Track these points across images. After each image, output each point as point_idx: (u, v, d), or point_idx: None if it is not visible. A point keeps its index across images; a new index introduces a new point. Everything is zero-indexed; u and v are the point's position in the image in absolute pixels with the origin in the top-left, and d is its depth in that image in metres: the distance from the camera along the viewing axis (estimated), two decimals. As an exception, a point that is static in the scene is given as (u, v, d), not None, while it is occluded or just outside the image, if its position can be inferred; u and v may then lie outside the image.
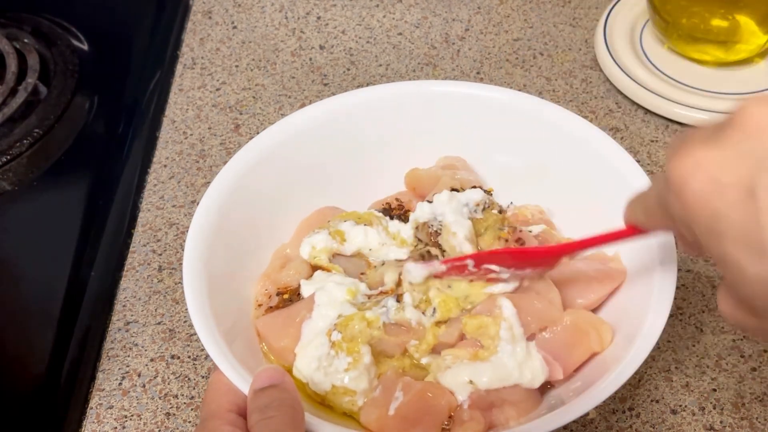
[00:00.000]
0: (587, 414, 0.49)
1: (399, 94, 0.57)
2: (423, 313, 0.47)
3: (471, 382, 0.45)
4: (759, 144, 0.29)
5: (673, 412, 0.50)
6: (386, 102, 0.56)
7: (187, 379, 0.54)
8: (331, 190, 0.56)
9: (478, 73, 0.71)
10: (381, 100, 0.56)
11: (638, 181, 0.50)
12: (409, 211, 0.54)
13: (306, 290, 0.50)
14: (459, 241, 0.50)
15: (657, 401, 0.51)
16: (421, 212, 0.52)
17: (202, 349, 0.54)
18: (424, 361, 0.47)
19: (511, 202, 0.55)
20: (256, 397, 0.41)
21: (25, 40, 0.76)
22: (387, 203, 0.55)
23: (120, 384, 0.54)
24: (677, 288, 0.46)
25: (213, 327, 0.45)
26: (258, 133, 0.67)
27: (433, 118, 0.56)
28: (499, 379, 0.45)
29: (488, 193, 0.54)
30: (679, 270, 0.56)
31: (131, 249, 0.61)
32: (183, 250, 0.48)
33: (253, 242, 0.53)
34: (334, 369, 0.46)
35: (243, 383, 0.42)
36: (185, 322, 0.56)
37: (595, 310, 0.50)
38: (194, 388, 0.53)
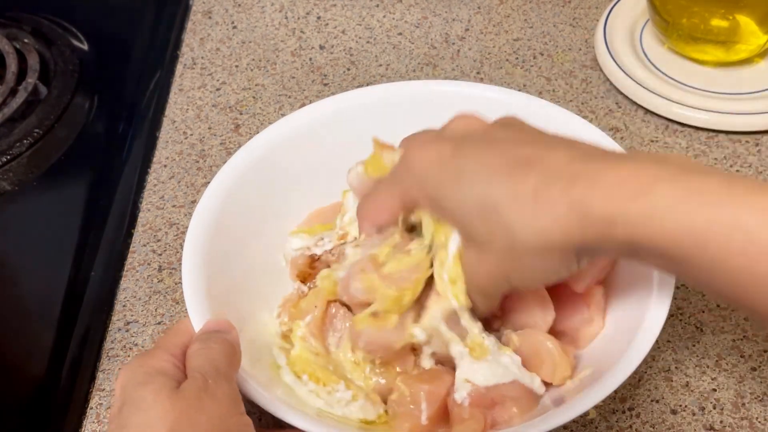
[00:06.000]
0: (587, 414, 0.49)
1: (401, 93, 0.56)
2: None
3: (468, 380, 0.45)
4: (451, 136, 0.43)
5: (673, 412, 0.50)
6: (386, 102, 0.56)
7: (187, 379, 0.54)
8: (334, 189, 0.56)
9: (478, 73, 0.71)
10: (381, 100, 0.56)
11: None
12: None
13: None
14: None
15: (657, 401, 0.51)
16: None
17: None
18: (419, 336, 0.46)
19: None
20: (200, 333, 0.44)
21: (25, 40, 0.76)
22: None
23: (120, 384, 0.54)
24: (677, 288, 0.46)
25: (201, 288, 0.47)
26: (258, 133, 0.68)
27: (437, 117, 0.56)
28: (496, 376, 0.45)
29: None
30: (679, 270, 0.56)
31: (131, 249, 0.61)
32: (183, 250, 0.48)
33: (253, 240, 0.53)
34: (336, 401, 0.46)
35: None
36: (185, 322, 0.56)
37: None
38: (194, 388, 0.53)
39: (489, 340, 0.45)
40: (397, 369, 0.47)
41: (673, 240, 0.36)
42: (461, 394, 0.45)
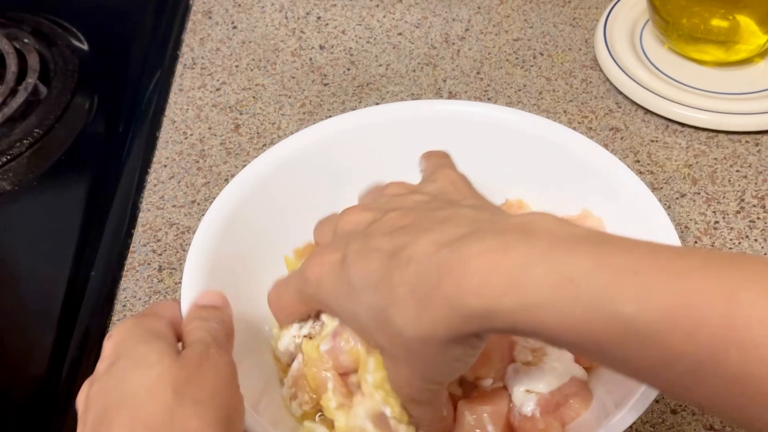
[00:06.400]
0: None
1: (398, 116, 0.55)
2: None
3: (530, 391, 0.44)
4: (342, 239, 0.42)
5: (673, 412, 0.50)
6: (384, 124, 0.55)
7: (187, 379, 0.54)
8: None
9: (478, 73, 0.71)
10: (398, 119, 0.55)
11: (651, 206, 0.49)
12: None
13: None
14: None
15: (657, 401, 0.50)
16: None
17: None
18: None
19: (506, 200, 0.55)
20: (197, 308, 0.44)
21: (25, 40, 0.76)
22: None
23: (120, 384, 0.54)
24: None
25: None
26: (258, 133, 0.68)
27: (432, 139, 0.54)
28: (557, 378, 0.45)
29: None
30: (679, 270, 0.56)
31: (131, 249, 0.61)
32: (183, 250, 0.48)
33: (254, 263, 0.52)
34: None
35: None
36: (185, 322, 0.56)
37: None
38: (194, 388, 0.53)
39: None
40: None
41: (557, 333, 0.34)
42: (529, 406, 0.44)
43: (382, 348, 0.41)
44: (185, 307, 0.45)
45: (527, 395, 0.44)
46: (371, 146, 0.55)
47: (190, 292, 0.46)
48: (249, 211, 0.52)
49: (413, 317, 0.37)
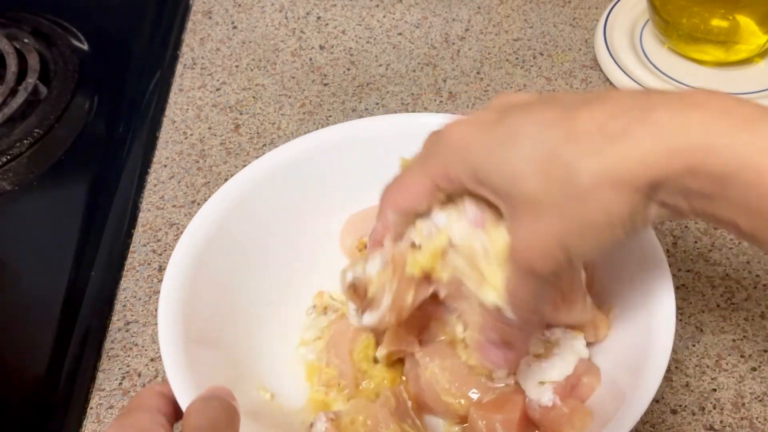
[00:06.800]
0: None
1: (381, 131, 0.54)
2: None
3: (543, 382, 0.44)
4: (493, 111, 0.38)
5: (673, 412, 0.50)
6: (376, 136, 0.54)
7: (187, 379, 0.54)
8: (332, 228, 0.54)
9: (478, 73, 0.71)
10: (369, 134, 0.54)
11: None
12: None
13: None
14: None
15: (657, 401, 0.50)
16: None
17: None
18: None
19: None
20: (198, 399, 0.39)
21: (25, 40, 0.76)
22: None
23: (120, 384, 0.54)
24: (677, 288, 0.46)
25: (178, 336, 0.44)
26: (258, 133, 0.68)
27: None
28: (568, 364, 0.45)
29: None
30: (679, 270, 0.56)
31: (131, 249, 0.61)
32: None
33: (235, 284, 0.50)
34: None
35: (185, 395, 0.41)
36: (185, 322, 0.56)
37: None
38: (194, 388, 0.53)
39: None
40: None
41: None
42: (547, 396, 0.44)
43: (531, 201, 0.36)
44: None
45: (543, 387, 0.44)
46: (353, 161, 0.54)
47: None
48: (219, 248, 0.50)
49: (597, 150, 0.33)
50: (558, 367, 0.45)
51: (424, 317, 0.46)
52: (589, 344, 0.47)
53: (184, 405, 0.40)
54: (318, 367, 0.49)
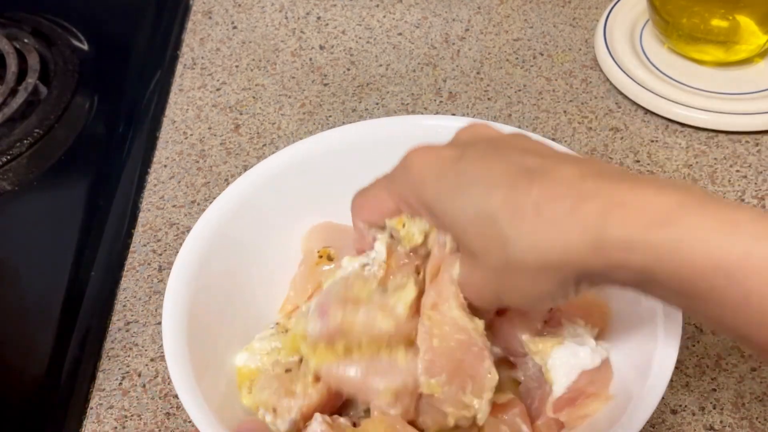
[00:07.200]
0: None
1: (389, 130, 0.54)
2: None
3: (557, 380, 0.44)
4: (459, 143, 0.41)
5: (673, 412, 0.50)
6: (376, 140, 0.53)
7: (187, 379, 0.54)
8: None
9: (478, 73, 0.71)
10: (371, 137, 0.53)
11: None
12: None
13: None
14: None
15: (657, 401, 0.51)
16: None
17: (202, 349, 0.54)
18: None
19: None
20: None
21: (25, 40, 0.76)
22: None
23: (120, 384, 0.54)
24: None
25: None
26: (258, 133, 0.68)
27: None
28: (578, 358, 0.44)
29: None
30: (679, 270, 0.56)
31: (131, 249, 0.61)
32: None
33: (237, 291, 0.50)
34: None
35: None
36: (185, 322, 0.56)
37: None
38: (194, 388, 0.53)
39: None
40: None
41: (700, 273, 0.32)
42: (570, 379, 0.43)
43: (471, 252, 0.38)
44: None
45: (566, 370, 0.44)
46: (353, 165, 0.52)
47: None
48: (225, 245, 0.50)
49: (529, 231, 0.35)
50: (582, 354, 0.44)
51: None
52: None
53: (187, 405, 0.41)
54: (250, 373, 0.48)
